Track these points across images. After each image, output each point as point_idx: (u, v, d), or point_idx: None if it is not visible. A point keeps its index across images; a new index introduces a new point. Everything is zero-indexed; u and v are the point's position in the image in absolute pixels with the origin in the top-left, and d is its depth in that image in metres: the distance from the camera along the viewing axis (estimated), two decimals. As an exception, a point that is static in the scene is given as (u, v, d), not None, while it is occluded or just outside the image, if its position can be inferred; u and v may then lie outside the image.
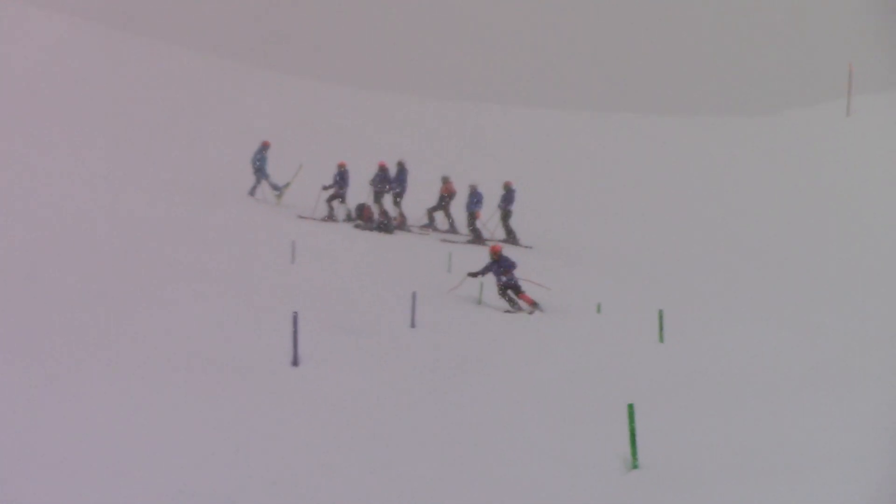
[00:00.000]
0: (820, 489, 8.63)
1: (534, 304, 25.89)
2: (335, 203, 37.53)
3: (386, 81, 70.93)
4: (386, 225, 36.73)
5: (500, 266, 26.51)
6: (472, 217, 37.30)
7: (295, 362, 15.10)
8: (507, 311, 25.79)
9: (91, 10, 61.42)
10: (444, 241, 36.50)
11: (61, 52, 50.98)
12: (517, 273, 26.89)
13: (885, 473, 8.63)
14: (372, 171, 37.91)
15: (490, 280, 25.81)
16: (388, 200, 38.07)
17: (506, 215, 37.62)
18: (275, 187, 38.52)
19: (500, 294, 26.33)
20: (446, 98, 64.29)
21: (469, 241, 36.96)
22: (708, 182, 48.81)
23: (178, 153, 42.34)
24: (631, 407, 10.17)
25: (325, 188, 37.22)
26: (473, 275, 26.46)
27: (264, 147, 38.42)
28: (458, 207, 38.30)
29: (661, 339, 18.12)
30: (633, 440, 10.13)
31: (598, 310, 24.52)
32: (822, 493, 8.53)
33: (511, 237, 37.34)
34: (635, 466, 10.09)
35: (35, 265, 20.11)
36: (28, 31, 51.70)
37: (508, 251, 35.74)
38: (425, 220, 38.69)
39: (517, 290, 26.36)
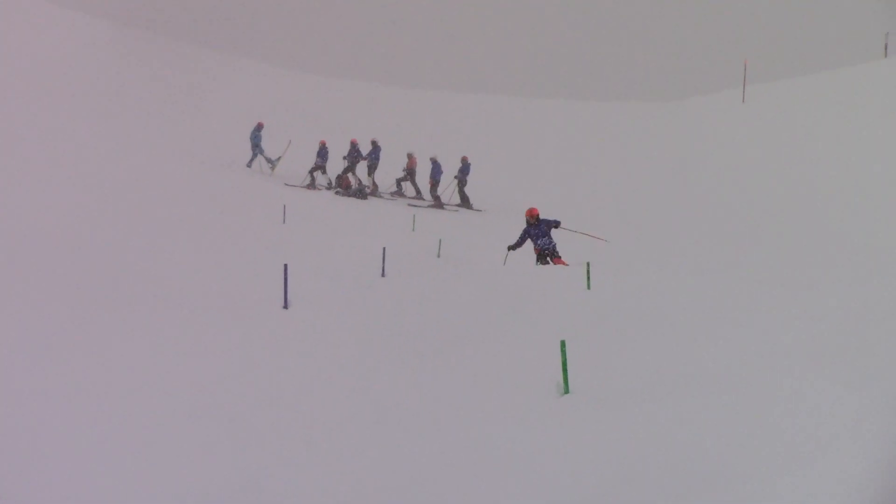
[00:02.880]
0: (720, 402, 8.69)
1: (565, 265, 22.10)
2: (317, 173, 37.90)
3: (368, 72, 70.71)
4: (361, 192, 37.00)
5: (539, 229, 22.69)
6: (433, 185, 37.68)
7: (285, 305, 15.10)
8: None
9: (100, 7, 60.72)
10: (410, 205, 36.79)
11: (71, 46, 50.43)
12: (559, 233, 23.41)
13: (795, 390, 8.69)
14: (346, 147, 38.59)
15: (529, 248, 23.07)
16: (363, 172, 38.49)
17: (462, 185, 38.02)
18: (268, 160, 39.04)
19: (538, 261, 22.74)
20: (412, 87, 64.22)
21: (430, 206, 37.26)
22: (623, 160, 48.95)
23: (186, 132, 42.25)
24: (563, 343, 10.20)
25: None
26: (512, 247, 23.08)
27: (259, 127, 39.21)
28: (423, 177, 38.64)
29: (589, 286, 18.15)
30: (564, 370, 10.16)
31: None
32: (721, 404, 8.59)
33: (465, 203, 37.71)
34: (567, 391, 10.12)
35: (57, 216, 20.01)
36: (38, 25, 51.01)
37: (464, 215, 35.97)
38: (394, 188, 39.18)
39: (553, 253, 22.73)
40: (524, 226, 22.42)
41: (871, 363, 9.39)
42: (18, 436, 8.31)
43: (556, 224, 22.83)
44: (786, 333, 11.27)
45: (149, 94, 47.35)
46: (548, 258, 22.64)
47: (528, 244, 22.91)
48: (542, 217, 22.91)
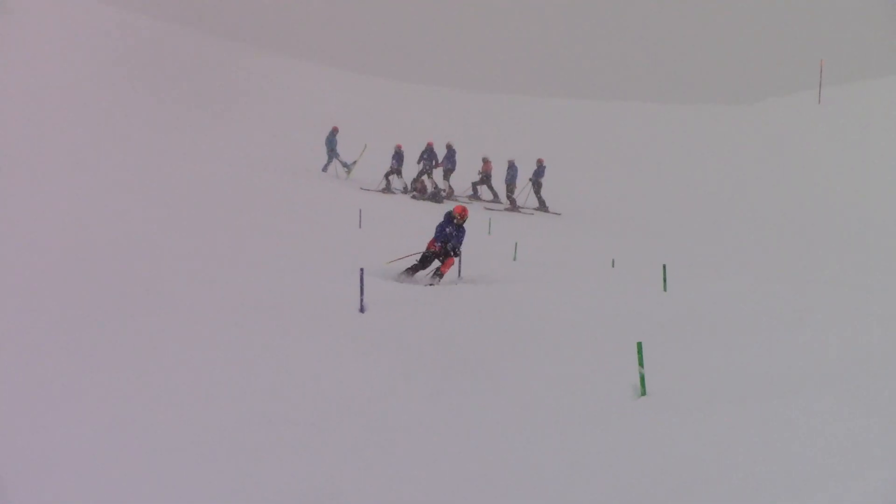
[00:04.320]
0: (806, 404, 8.62)
1: (439, 277, 20.26)
2: (393, 177, 38.04)
3: (442, 77, 71.04)
4: (437, 196, 37.04)
5: (458, 234, 20.82)
6: (510, 188, 37.74)
7: (362, 310, 15.14)
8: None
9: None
10: (486, 209, 36.81)
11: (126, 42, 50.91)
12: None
13: (874, 395, 8.60)
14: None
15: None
16: (438, 175, 38.59)
17: (537, 187, 38.00)
18: (344, 164, 39.22)
19: (423, 258, 20.68)
20: (496, 91, 64.40)
21: (507, 209, 37.27)
22: (701, 162, 48.65)
23: (262, 137, 42.64)
24: (639, 344, 10.17)
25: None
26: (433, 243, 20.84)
27: (334, 131, 39.37)
28: (499, 180, 38.72)
29: (665, 288, 18.05)
30: (641, 371, 10.14)
31: (613, 265, 24.51)
32: (809, 407, 8.52)
33: (543, 206, 37.69)
34: (643, 394, 10.09)
35: (119, 214, 20.25)
36: (87, 22, 51.47)
37: (540, 217, 35.90)
38: (470, 192, 39.21)
39: (447, 255, 20.61)
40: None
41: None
42: (39, 438, 8.40)
43: (459, 244, 20.87)
44: (865, 337, 11.15)
45: (218, 99, 47.78)
46: (439, 259, 20.67)
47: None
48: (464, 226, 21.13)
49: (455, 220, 20.87)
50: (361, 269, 15.42)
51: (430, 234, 20.72)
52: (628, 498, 7.27)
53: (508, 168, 38.08)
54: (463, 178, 39.36)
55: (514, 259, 24.56)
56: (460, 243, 20.84)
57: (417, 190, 37.78)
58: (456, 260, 20.89)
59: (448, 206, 35.81)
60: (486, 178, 38.93)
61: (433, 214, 32.82)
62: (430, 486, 7.97)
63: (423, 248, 20.81)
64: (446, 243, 20.69)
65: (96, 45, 48.55)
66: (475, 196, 39.04)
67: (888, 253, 29.48)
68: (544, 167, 38.35)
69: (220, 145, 38.21)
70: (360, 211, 28.00)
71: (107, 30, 52.02)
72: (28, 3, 48.44)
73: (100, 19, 53.43)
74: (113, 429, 9.04)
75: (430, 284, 19.69)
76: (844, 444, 7.40)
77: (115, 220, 20.58)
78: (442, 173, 38.79)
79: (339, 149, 39.52)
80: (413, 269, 20.34)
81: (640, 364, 10.15)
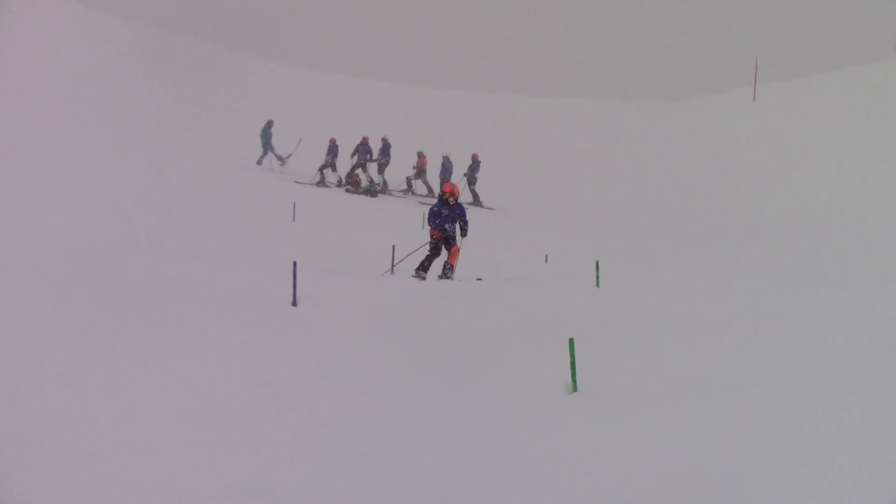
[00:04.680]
0: (737, 400, 8.70)
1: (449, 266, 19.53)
2: (327, 171, 38.00)
3: (378, 70, 70.94)
4: (371, 190, 37.05)
5: (451, 213, 19.90)
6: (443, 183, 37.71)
7: (294, 303, 15.07)
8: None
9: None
10: (421, 203, 36.81)
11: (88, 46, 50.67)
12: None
13: (806, 391, 8.69)
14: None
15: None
16: (373, 170, 38.56)
17: (472, 182, 38.13)
18: (279, 158, 39.14)
19: (430, 248, 19.97)
20: (430, 86, 64.38)
21: (439, 204, 37.25)
22: (636, 158, 48.94)
23: (193, 132, 42.41)
24: (571, 340, 10.18)
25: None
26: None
27: (269, 125, 39.27)
28: (433, 175, 38.74)
29: (598, 284, 18.14)
30: (573, 368, 10.14)
31: (546, 261, 24.62)
32: (740, 403, 8.59)
33: (476, 201, 37.79)
34: (575, 390, 10.10)
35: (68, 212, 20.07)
36: (61, 26, 51.25)
37: (474, 212, 35.95)
38: (405, 186, 39.26)
39: (450, 242, 19.79)
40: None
41: (878, 364, 9.38)
42: (22, 437, 8.29)
43: (466, 224, 19.97)
44: (799, 334, 11.24)
45: (152, 93, 47.48)
46: (442, 246, 19.88)
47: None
48: (459, 201, 20.34)
49: (448, 199, 19.99)
50: (294, 263, 15.34)
51: (361, 226, 20.62)
52: (555, 497, 7.27)
53: (442, 163, 38.13)
54: (398, 173, 39.35)
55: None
56: (465, 221, 19.91)
57: (352, 183, 37.76)
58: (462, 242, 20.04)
59: (382, 199, 35.83)
60: (420, 172, 39.00)
61: (367, 208, 32.85)
62: (357, 478, 7.93)
63: (426, 243, 20.14)
64: (444, 226, 19.77)
65: (90, 50, 48.48)
66: (410, 190, 39.10)
67: (820, 248, 29.83)
68: (479, 162, 38.51)
69: (143, 139, 37.89)
70: (294, 204, 27.90)
71: (99, 34, 51.97)
72: (28, 4, 48.55)
73: (93, 24, 53.36)
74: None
75: (443, 277, 19.39)
76: (772, 440, 7.46)
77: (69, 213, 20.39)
78: (377, 167, 38.80)
79: (274, 142, 39.42)
80: (426, 263, 19.70)
81: (573, 360, 10.17)
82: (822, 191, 39.31)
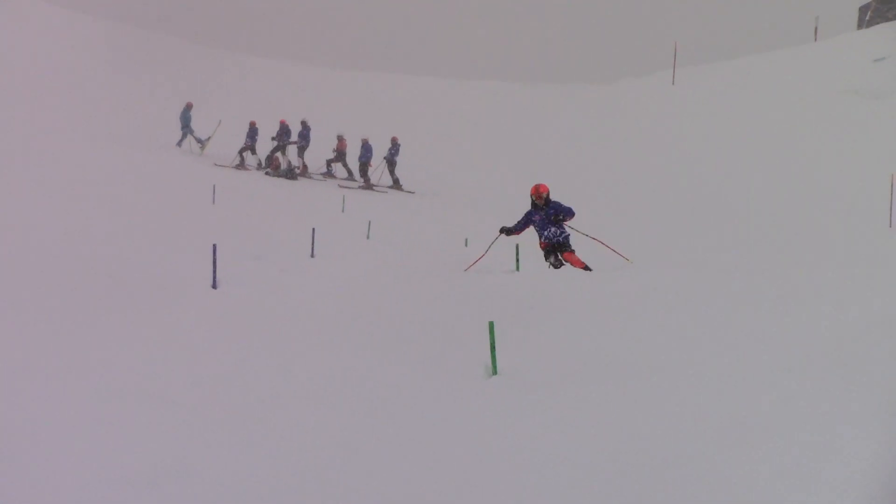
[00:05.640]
0: (659, 385, 8.79)
1: (585, 268, 17.28)
2: (247, 153, 37.91)
3: (298, 53, 70.72)
4: (291, 173, 36.98)
5: (546, 215, 18.05)
6: (364, 166, 37.75)
7: (214, 286, 15.03)
8: None
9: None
10: (341, 186, 36.80)
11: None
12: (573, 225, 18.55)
13: (733, 378, 8.80)
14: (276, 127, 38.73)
15: (532, 238, 18.93)
16: (293, 152, 38.51)
17: (392, 166, 38.15)
18: (198, 140, 38.96)
19: (545, 257, 18.25)
20: (343, 68, 64.12)
21: (361, 187, 37.30)
22: (559, 141, 49.19)
23: (113, 113, 41.98)
24: (491, 324, 10.24)
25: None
26: (508, 231, 18.60)
27: (188, 107, 39.14)
28: (353, 158, 38.75)
29: (518, 268, 18.24)
30: (493, 351, 10.20)
31: (466, 244, 24.72)
32: (662, 388, 8.69)
33: (396, 184, 37.82)
34: (495, 373, 10.16)
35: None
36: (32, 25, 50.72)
37: (394, 195, 35.92)
38: (324, 169, 39.22)
39: (564, 247, 18.01)
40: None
41: (811, 349, 9.53)
42: None
43: (570, 214, 18.12)
44: (721, 318, 11.37)
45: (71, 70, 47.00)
46: (558, 254, 18.11)
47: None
48: (552, 199, 18.37)
49: (535, 201, 18.26)
50: (214, 245, 15.30)
51: (281, 209, 20.50)
52: (470, 480, 7.32)
53: (362, 146, 38.10)
54: (318, 156, 39.29)
55: (368, 237, 24.57)
56: (565, 210, 17.96)
57: (272, 167, 37.64)
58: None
59: (302, 182, 35.72)
60: (340, 155, 38.95)
61: (287, 191, 32.77)
62: (279, 460, 7.93)
63: (493, 242, 19.11)
64: (543, 233, 18.08)
65: (57, 47, 47.88)
66: (329, 174, 39.06)
67: (739, 231, 30.23)
68: (399, 145, 38.54)
69: (64, 121, 37.50)
70: (214, 187, 27.74)
71: (74, 31, 51.38)
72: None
73: (69, 21, 52.66)
74: None
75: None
76: (695, 426, 7.56)
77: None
78: (296, 150, 38.73)
79: (193, 124, 39.21)
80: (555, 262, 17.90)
81: (492, 343, 10.23)
82: (737, 172, 39.90)
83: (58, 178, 24.63)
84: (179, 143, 38.88)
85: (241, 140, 38.30)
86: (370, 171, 38.08)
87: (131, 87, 47.39)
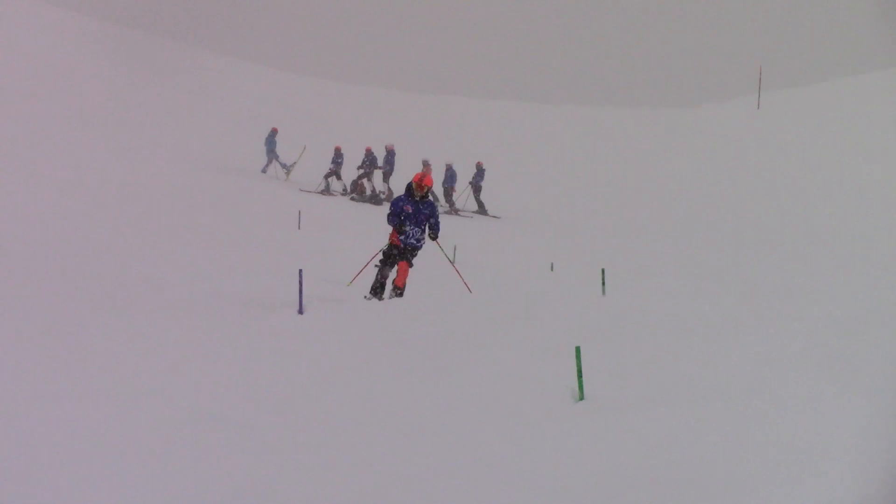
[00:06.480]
0: (745, 406, 8.72)
1: (399, 290, 17.19)
2: (332, 179, 38.13)
3: (383, 78, 70.98)
4: (376, 198, 37.13)
5: (419, 211, 17.43)
6: (449, 191, 37.81)
7: (300, 311, 15.10)
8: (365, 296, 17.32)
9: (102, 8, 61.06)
10: (430, 212, 36.84)
11: (68, 46, 50.63)
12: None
13: (811, 398, 8.70)
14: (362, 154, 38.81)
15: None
16: (378, 178, 38.66)
17: (477, 190, 38.16)
18: (283, 166, 39.25)
19: (383, 261, 17.61)
20: (427, 92, 64.34)
21: (445, 213, 37.35)
22: (641, 166, 48.95)
23: (195, 137, 42.47)
24: (577, 349, 10.19)
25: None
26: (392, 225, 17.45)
27: (274, 132, 39.42)
28: (438, 184, 38.80)
29: (604, 292, 18.14)
30: (579, 376, 10.15)
31: (552, 269, 24.63)
32: (748, 410, 8.62)
33: (482, 209, 37.83)
34: (582, 398, 10.11)
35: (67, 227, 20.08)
36: (34, 25, 51.25)
37: (479, 220, 35.93)
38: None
39: (411, 255, 17.51)
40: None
41: (882, 369, 9.40)
42: (17, 440, 8.27)
43: (438, 227, 17.77)
44: (799, 341, 11.25)
45: (153, 98, 47.53)
46: (398, 257, 17.46)
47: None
48: (429, 196, 17.62)
49: (415, 194, 17.51)
50: (300, 271, 15.37)
51: (366, 235, 20.53)
52: (567, 500, 7.29)
53: (447, 171, 38.17)
54: (403, 181, 39.41)
55: (454, 261, 24.58)
56: (437, 221, 17.62)
57: (357, 192, 37.85)
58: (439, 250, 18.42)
59: (387, 208, 35.86)
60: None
61: (372, 216, 32.87)
62: (361, 484, 7.93)
63: (385, 246, 18.08)
64: (405, 228, 17.38)
65: (42, 47, 48.39)
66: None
67: (827, 256, 29.82)
68: (484, 170, 38.56)
69: (144, 143, 37.93)
70: (300, 212, 27.93)
71: (54, 31, 51.83)
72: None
73: (46, 20, 53.19)
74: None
75: (394, 293, 17.29)
76: (786, 446, 7.48)
77: (56, 219, 20.37)
78: (381, 176, 38.87)
79: (279, 150, 39.52)
80: (380, 280, 17.45)
81: (579, 368, 10.17)
82: (825, 198, 39.35)
83: (140, 201, 24.95)
84: (265, 169, 39.27)
85: (325, 165, 38.51)
86: (454, 196, 38.14)
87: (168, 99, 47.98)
